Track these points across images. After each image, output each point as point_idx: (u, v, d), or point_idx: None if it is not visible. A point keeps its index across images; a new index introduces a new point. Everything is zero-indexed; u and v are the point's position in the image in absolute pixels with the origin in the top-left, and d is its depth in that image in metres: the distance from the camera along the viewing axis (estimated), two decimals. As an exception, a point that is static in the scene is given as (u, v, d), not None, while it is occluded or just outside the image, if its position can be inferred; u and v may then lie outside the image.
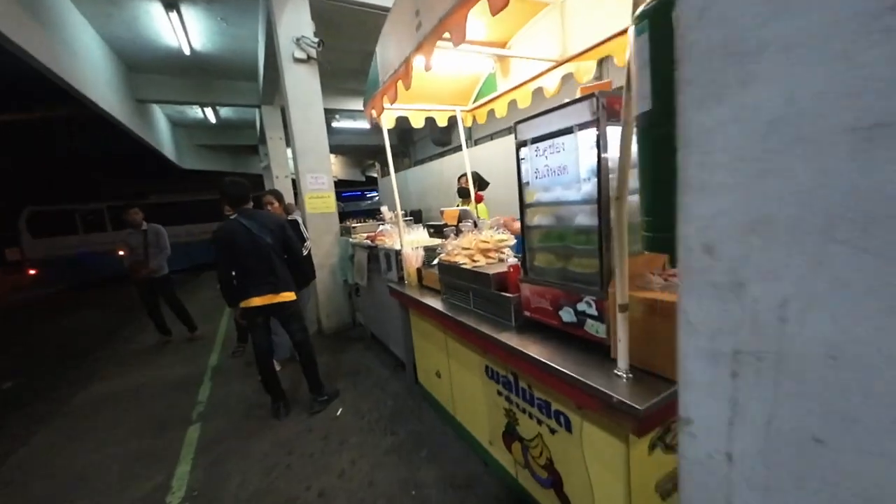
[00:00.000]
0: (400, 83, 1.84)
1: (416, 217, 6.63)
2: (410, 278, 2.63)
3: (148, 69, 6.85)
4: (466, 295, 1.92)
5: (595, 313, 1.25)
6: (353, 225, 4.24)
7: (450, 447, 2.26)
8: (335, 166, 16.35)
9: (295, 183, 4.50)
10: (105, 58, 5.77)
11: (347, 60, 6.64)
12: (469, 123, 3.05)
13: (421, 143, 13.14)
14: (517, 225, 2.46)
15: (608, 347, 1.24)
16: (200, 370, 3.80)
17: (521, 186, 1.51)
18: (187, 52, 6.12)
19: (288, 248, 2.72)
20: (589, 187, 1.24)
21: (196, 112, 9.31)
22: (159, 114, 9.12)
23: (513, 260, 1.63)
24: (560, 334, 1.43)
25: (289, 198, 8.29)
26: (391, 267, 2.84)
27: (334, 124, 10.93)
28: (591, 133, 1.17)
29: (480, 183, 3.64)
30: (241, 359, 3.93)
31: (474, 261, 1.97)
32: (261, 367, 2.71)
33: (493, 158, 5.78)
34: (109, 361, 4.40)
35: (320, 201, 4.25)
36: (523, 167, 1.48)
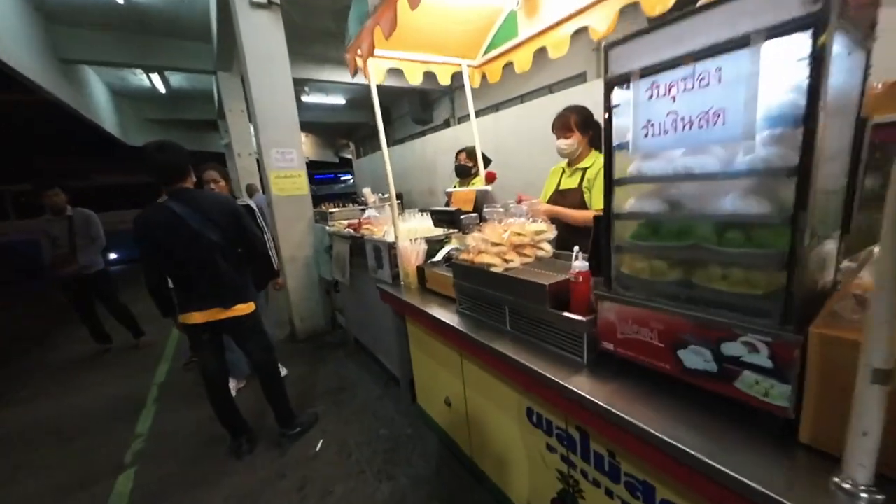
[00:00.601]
0: (382, 26, 1.23)
1: (400, 200, 5.97)
2: (409, 279, 2.06)
3: (72, 21, 5.71)
4: (499, 311, 1.38)
5: (767, 363, 0.74)
6: (331, 210, 3.57)
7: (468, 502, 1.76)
8: (305, 146, 15.21)
9: (260, 163, 3.75)
10: (13, 4, 4.67)
11: (317, 18, 5.77)
12: (477, 83, 2.44)
13: (399, 121, 12.31)
14: (543, 207, 1.93)
15: (788, 422, 0.73)
16: (144, 389, 3.10)
17: (610, 151, 0.96)
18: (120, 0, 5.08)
19: (245, 242, 2.07)
20: (770, 148, 0.71)
21: (141, 79, 8.10)
22: (95, 80, 7.86)
23: (579, 265, 1.10)
24: (670, 382, 0.92)
25: (253, 180, 7.40)
26: (382, 264, 2.25)
27: (304, 98, 9.93)
28: (796, 43, 0.63)
29: (483, 158, 3.06)
30: (197, 372, 3.26)
31: (506, 261, 1.42)
32: (212, 397, 2.09)
33: (483, 136, 5.19)
34: (25, 380, 3.55)
35: (289, 182, 3.55)
36: (619, 120, 0.92)
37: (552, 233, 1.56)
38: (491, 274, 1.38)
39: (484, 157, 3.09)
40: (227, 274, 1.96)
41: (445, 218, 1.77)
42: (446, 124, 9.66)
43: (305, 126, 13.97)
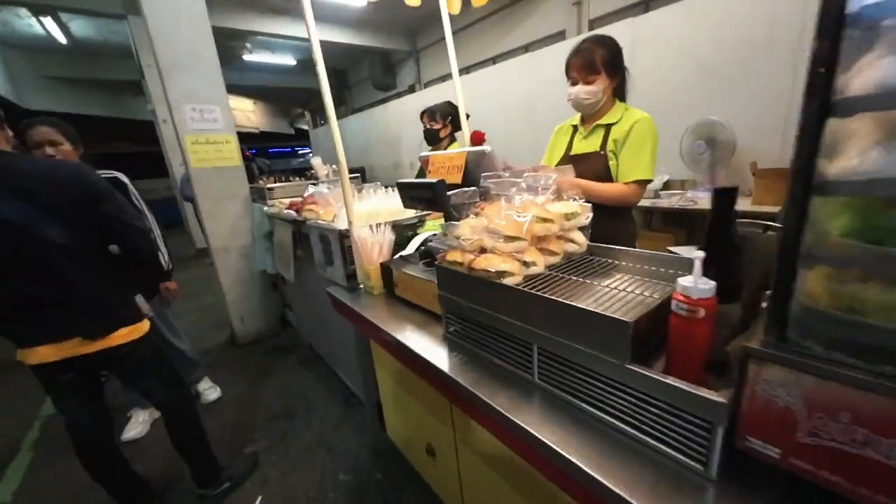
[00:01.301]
0: None
1: (361, 176, 5.23)
2: (369, 282, 1.46)
3: None
4: (520, 350, 0.83)
5: None
6: (269, 186, 2.84)
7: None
8: (254, 116, 13.68)
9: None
10: None
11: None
12: (457, 10, 1.79)
13: (358, 87, 11.20)
14: (571, 177, 1.35)
15: None
16: (19, 431, 2.34)
17: (807, 114, 0.41)
18: None
19: (115, 234, 1.37)
20: None
21: (30, 24, 6.54)
22: (-32, 24, 6.24)
23: (697, 284, 0.56)
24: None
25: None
26: (332, 259, 1.63)
27: (246, 57, 8.62)
28: None
29: (454, 118, 2.44)
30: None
31: (525, 263, 0.86)
32: (85, 460, 1.43)
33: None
34: None
35: (213, 149, 2.76)
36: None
37: (587, 216, 1.01)
38: (506, 291, 0.82)
39: (457, 115, 2.47)
40: (84, 287, 1.27)
41: (421, 194, 1.18)
42: (411, 90, 8.79)
43: (252, 91, 12.46)
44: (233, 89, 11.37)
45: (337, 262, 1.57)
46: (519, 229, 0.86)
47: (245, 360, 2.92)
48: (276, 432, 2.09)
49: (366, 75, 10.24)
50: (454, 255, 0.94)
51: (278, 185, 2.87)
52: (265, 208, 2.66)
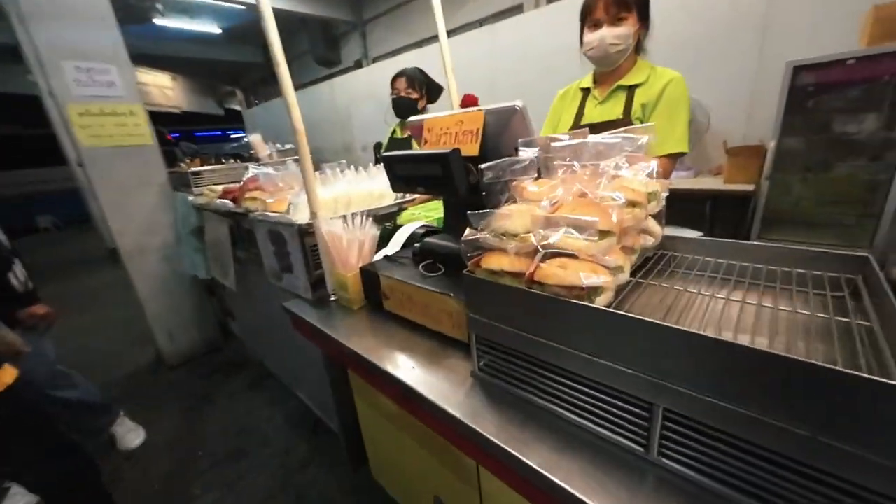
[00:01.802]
0: None
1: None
2: (345, 293, 1.08)
3: None
4: (629, 413, 0.53)
5: None
6: (194, 170, 2.26)
7: None
8: (174, 93, 12.01)
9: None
10: None
11: None
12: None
13: (298, 62, 10.18)
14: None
15: None
16: None
17: None
18: None
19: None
20: None
21: None
22: None
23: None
24: None
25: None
26: (289, 265, 1.22)
27: (157, 21, 7.35)
28: None
29: (429, 87, 2.07)
30: None
31: (610, 270, 0.56)
32: None
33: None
34: None
35: (111, 122, 2.12)
36: None
37: (664, 195, 0.73)
38: (603, 318, 0.50)
39: (433, 83, 2.10)
40: None
41: (424, 171, 0.82)
42: (358, 66, 8.10)
43: (169, 64, 10.80)
44: (144, 59, 9.80)
45: (298, 269, 1.16)
46: (608, 219, 0.55)
47: (177, 386, 2.37)
48: (223, 481, 1.65)
49: (306, 48, 9.30)
50: (499, 261, 0.61)
51: (206, 168, 2.30)
52: (190, 198, 2.11)
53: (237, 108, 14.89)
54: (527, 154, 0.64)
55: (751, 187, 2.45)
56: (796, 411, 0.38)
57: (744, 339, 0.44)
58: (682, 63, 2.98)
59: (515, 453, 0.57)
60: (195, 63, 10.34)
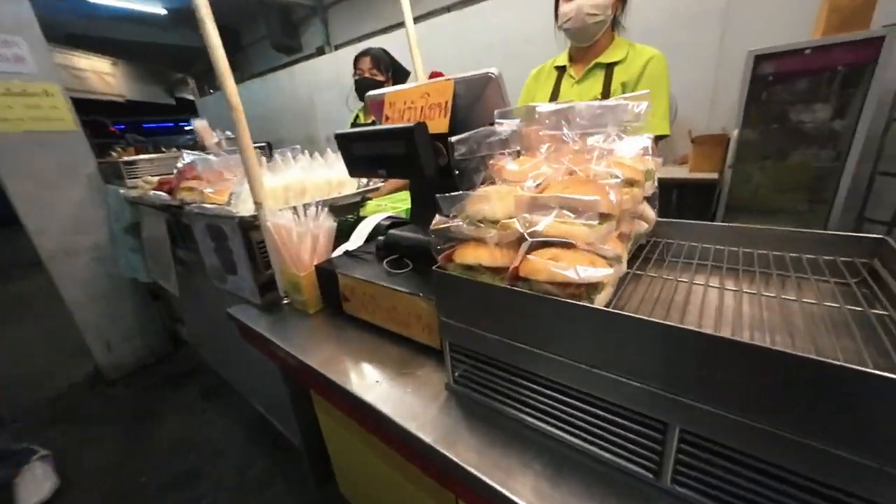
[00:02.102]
0: None
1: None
2: (300, 297, 0.94)
3: None
4: (638, 434, 0.44)
5: None
6: (126, 160, 2.00)
7: None
8: (114, 80, 11.02)
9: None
10: None
11: None
12: None
13: (255, 49, 9.62)
14: None
15: None
16: None
17: None
18: None
19: None
20: None
21: None
22: None
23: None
24: None
25: None
26: (233, 265, 1.06)
27: (90, -3, 6.64)
28: None
29: (395, 69, 1.93)
30: None
31: (607, 261, 0.47)
32: None
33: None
34: None
35: (20, 104, 1.81)
36: None
37: (656, 175, 0.65)
38: (605, 319, 0.41)
39: (396, 64, 1.96)
40: None
41: (385, 150, 0.70)
42: (320, 53, 7.72)
43: (109, 47, 9.86)
44: (76, 41, 8.94)
45: (242, 269, 1.00)
46: (608, 199, 0.46)
47: (117, 402, 2.12)
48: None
49: (263, 34, 8.78)
50: (475, 254, 0.50)
51: (141, 157, 2.04)
52: (122, 191, 1.85)
53: (190, 97, 13.92)
54: (505, 126, 0.54)
55: (715, 176, 2.50)
56: (853, 434, 0.30)
57: (767, 341, 0.36)
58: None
59: (499, 487, 0.47)
60: (138, 47, 9.50)
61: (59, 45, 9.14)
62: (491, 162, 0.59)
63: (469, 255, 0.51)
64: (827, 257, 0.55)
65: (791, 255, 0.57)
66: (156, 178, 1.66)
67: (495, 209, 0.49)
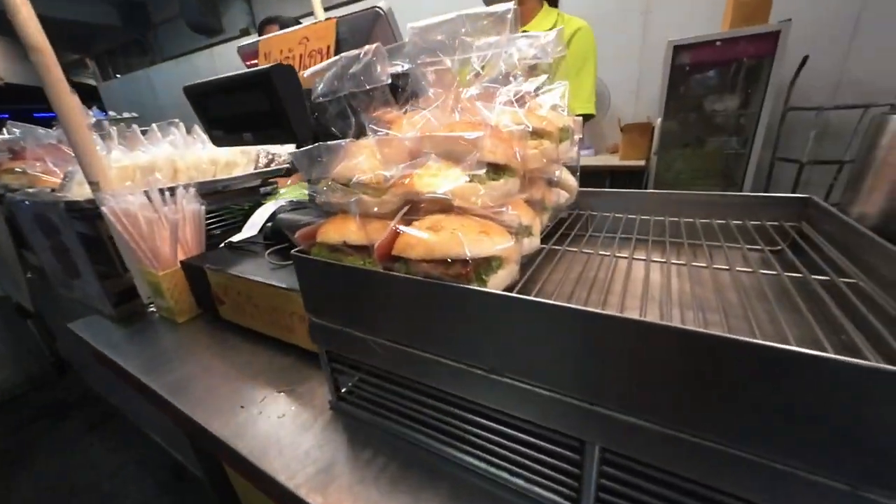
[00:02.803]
0: None
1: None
2: (165, 303, 0.74)
3: None
4: (549, 457, 0.33)
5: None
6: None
7: None
8: (-11, 57, 9.32)
9: None
10: None
11: None
12: None
13: (168, 28, 8.59)
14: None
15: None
16: None
17: None
18: None
19: None
20: None
21: None
22: None
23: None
24: None
25: None
26: (73, 266, 0.82)
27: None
28: None
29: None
30: None
31: (513, 232, 0.36)
32: None
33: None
34: None
35: None
36: None
37: (577, 138, 0.56)
38: (533, 312, 0.29)
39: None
40: None
41: (243, 105, 0.54)
42: (245, 34, 7.08)
43: (-25, 19, 8.25)
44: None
45: (85, 270, 0.77)
46: (505, 146, 0.34)
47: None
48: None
49: (176, 13, 7.86)
50: (340, 229, 0.37)
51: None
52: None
53: (91, 81, 12.16)
54: (369, 48, 0.40)
55: (642, 163, 2.58)
56: (824, 454, 0.21)
57: (701, 321, 0.27)
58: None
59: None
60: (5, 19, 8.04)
61: None
62: (384, 112, 0.46)
63: (333, 231, 0.38)
64: (754, 222, 0.49)
65: (718, 221, 0.50)
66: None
67: (359, 165, 0.36)
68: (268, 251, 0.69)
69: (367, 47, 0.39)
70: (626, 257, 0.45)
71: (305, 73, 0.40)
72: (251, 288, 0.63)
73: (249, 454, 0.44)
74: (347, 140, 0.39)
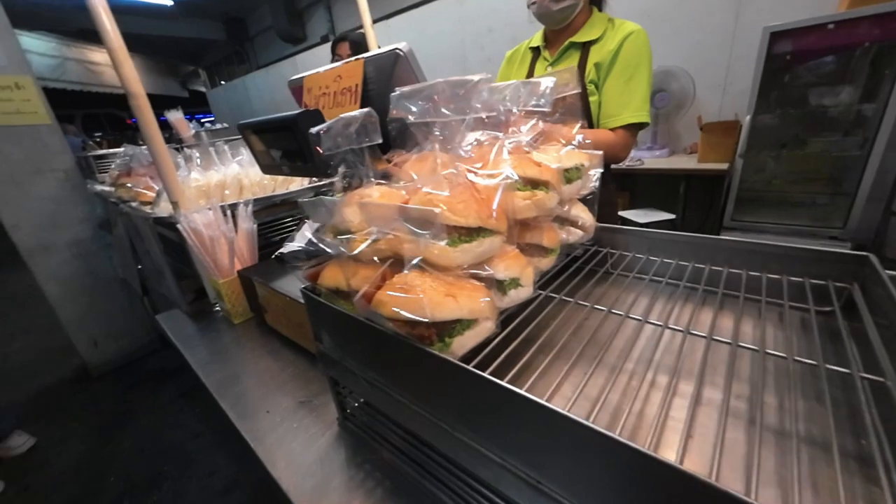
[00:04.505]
0: None
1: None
2: (226, 305, 0.86)
3: None
4: None
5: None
6: (96, 153, 1.95)
7: None
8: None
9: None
10: None
11: None
12: None
13: (261, 39, 9.58)
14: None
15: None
16: None
17: None
18: None
19: None
20: None
21: None
22: None
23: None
24: None
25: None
26: (161, 269, 0.98)
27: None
28: None
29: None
30: None
31: (499, 286, 0.36)
32: None
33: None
34: None
35: (-9, 98, 1.78)
36: None
37: (596, 174, 0.53)
38: (479, 385, 0.30)
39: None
40: None
41: (280, 143, 0.61)
42: (325, 41, 7.63)
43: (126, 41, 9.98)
44: (88, 35, 9.04)
45: (166, 273, 0.93)
46: (484, 208, 0.35)
47: (98, 400, 2.12)
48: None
49: (268, 24, 8.73)
50: (334, 276, 0.40)
51: (112, 151, 1.99)
52: (90, 186, 1.81)
53: (202, 89, 14.08)
54: (361, 113, 0.42)
55: (724, 166, 2.31)
56: None
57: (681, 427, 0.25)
58: (653, 34, 2.79)
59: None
60: (150, 40, 9.60)
61: (70, 38, 9.27)
62: (393, 155, 0.48)
63: (329, 276, 0.41)
64: (795, 278, 0.42)
65: (750, 273, 0.45)
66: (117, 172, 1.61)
67: (350, 219, 0.39)
68: (305, 267, 0.77)
69: (359, 113, 0.42)
70: (638, 318, 0.42)
71: (312, 130, 0.44)
72: (285, 302, 0.71)
73: (265, 459, 0.50)
74: (340, 195, 0.42)
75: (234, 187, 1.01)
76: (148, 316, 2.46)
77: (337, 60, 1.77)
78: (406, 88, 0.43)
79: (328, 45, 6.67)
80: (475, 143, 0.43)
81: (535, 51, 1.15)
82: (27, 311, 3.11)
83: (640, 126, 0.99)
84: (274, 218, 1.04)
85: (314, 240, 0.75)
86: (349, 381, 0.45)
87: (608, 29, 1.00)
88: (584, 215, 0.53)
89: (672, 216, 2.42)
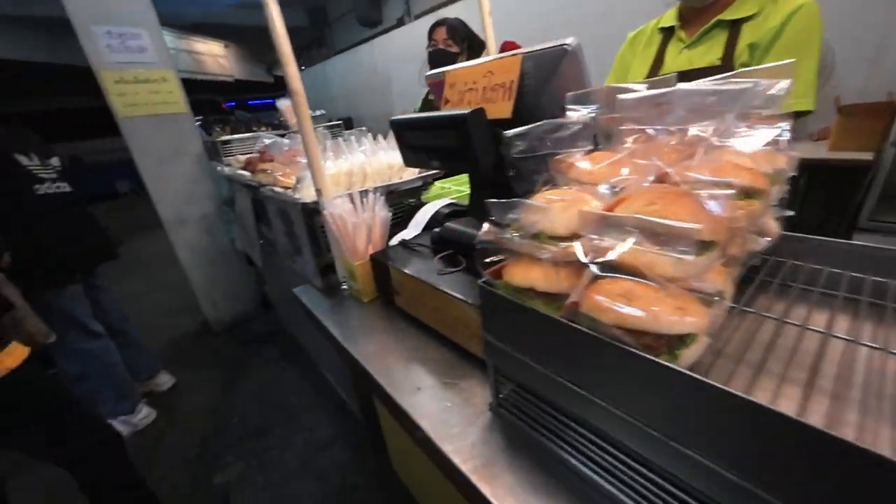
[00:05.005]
0: None
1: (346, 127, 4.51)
2: (355, 284, 0.95)
3: None
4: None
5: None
6: (223, 139, 2.21)
7: None
8: (226, 61, 12.32)
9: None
10: None
11: None
12: None
13: (340, 23, 9.93)
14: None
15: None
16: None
17: None
18: None
19: None
20: None
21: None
22: None
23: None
24: None
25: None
26: (299, 247, 1.10)
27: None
28: None
29: (471, 41, 1.80)
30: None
31: (705, 301, 0.35)
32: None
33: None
34: None
35: (145, 90, 2.09)
36: None
37: (790, 177, 0.49)
38: (724, 404, 0.31)
39: (471, 34, 1.84)
40: None
41: (436, 141, 0.65)
42: (400, 24, 7.71)
43: (220, 32, 11.04)
44: (197, 29, 10.03)
45: (305, 252, 1.04)
46: (714, 221, 0.34)
47: (219, 352, 2.47)
48: (251, 454, 1.68)
49: (349, 9, 9.01)
50: (527, 275, 0.42)
51: (236, 137, 2.24)
52: (219, 168, 2.07)
53: (285, 75, 14.95)
54: (578, 114, 0.43)
55: (868, 156, 1.96)
56: None
57: None
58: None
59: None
60: (243, 30, 10.45)
61: (184, 32, 10.32)
62: (557, 157, 0.49)
63: (519, 275, 0.43)
64: None
65: None
66: (245, 157, 1.81)
67: (554, 223, 0.40)
68: (437, 256, 0.81)
69: (572, 122, 0.42)
70: (842, 337, 0.38)
71: (508, 134, 0.45)
72: (424, 288, 0.75)
73: (430, 433, 0.56)
74: (539, 195, 0.43)
75: (359, 175, 1.09)
76: (254, 283, 2.79)
77: (432, 45, 1.80)
78: (641, 94, 0.42)
79: (403, 28, 6.66)
80: (674, 143, 0.41)
81: (668, 31, 1.06)
82: (164, 271, 3.69)
83: (801, 115, 0.88)
84: (391, 203, 1.10)
85: (464, 224, 0.78)
86: (518, 370, 0.48)
87: (768, 4, 0.88)
88: (770, 224, 0.50)
89: (790, 213, 2.13)
